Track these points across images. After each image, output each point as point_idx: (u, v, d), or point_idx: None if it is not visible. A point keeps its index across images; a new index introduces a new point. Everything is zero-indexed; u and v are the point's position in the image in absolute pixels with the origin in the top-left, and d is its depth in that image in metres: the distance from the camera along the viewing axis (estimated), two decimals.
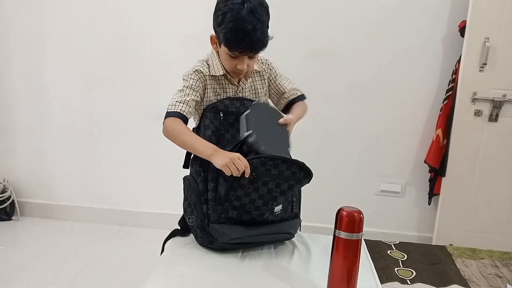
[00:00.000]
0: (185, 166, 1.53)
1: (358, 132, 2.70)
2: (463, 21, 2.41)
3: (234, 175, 1.28)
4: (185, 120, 1.41)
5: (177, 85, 1.48)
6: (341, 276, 1.19)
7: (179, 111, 1.41)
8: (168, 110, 1.43)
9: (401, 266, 1.52)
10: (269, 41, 1.41)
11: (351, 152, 2.74)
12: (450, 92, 2.49)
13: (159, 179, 2.82)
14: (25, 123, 2.86)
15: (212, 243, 1.42)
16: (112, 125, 2.81)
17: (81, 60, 2.75)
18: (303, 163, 1.38)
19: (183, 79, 1.48)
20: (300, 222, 1.56)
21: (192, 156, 1.50)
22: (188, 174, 1.50)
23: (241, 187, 1.34)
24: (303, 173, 1.38)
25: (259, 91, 1.58)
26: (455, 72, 2.47)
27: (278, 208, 1.43)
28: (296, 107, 1.60)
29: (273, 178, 1.35)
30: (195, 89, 1.45)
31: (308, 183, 1.42)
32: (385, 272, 1.45)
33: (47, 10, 2.69)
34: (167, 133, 1.41)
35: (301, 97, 1.64)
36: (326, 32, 2.60)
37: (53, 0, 2.68)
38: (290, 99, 1.63)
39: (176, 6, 2.64)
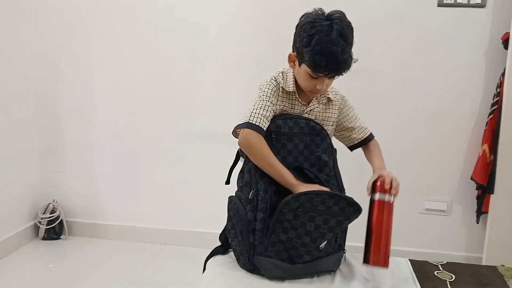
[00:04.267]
0: (228, 182, 1.53)
1: (400, 149, 2.64)
2: (506, 33, 2.34)
3: None
4: (263, 137, 1.39)
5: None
6: (378, 235, 1.38)
7: (262, 127, 1.38)
8: (251, 122, 1.38)
9: (449, 287, 1.46)
10: None
11: (393, 169, 2.65)
12: (496, 106, 2.41)
13: (200, 198, 2.86)
14: (73, 146, 2.99)
15: (253, 271, 1.40)
16: (155, 147, 2.89)
17: (126, 85, 2.86)
18: (352, 198, 1.33)
19: (260, 88, 1.46)
20: (345, 253, 1.50)
21: (240, 180, 1.47)
22: (234, 196, 1.47)
23: (287, 221, 1.30)
24: (352, 209, 1.33)
25: (329, 119, 1.56)
26: (500, 85, 2.39)
27: (323, 245, 1.37)
28: (376, 155, 1.69)
29: (320, 213, 1.30)
30: (273, 102, 1.44)
31: (357, 218, 1.37)
32: None
33: (96, 39, 2.84)
34: (249, 147, 1.38)
35: (371, 137, 1.66)
36: (366, 50, 2.57)
37: (101, 30, 2.82)
38: (361, 138, 1.65)
39: (217, 32, 2.71)
